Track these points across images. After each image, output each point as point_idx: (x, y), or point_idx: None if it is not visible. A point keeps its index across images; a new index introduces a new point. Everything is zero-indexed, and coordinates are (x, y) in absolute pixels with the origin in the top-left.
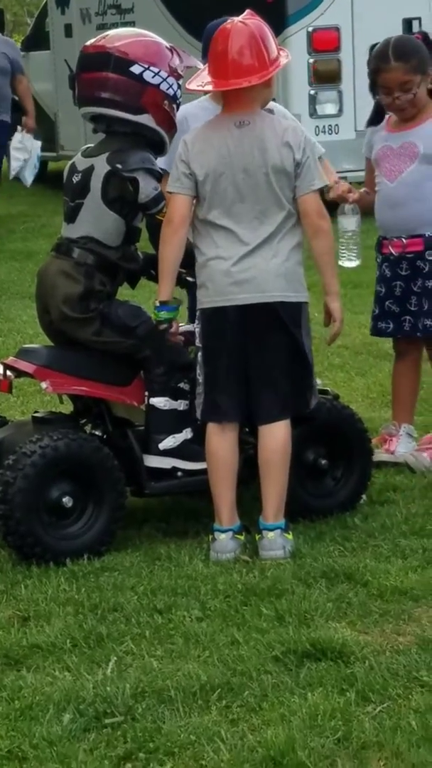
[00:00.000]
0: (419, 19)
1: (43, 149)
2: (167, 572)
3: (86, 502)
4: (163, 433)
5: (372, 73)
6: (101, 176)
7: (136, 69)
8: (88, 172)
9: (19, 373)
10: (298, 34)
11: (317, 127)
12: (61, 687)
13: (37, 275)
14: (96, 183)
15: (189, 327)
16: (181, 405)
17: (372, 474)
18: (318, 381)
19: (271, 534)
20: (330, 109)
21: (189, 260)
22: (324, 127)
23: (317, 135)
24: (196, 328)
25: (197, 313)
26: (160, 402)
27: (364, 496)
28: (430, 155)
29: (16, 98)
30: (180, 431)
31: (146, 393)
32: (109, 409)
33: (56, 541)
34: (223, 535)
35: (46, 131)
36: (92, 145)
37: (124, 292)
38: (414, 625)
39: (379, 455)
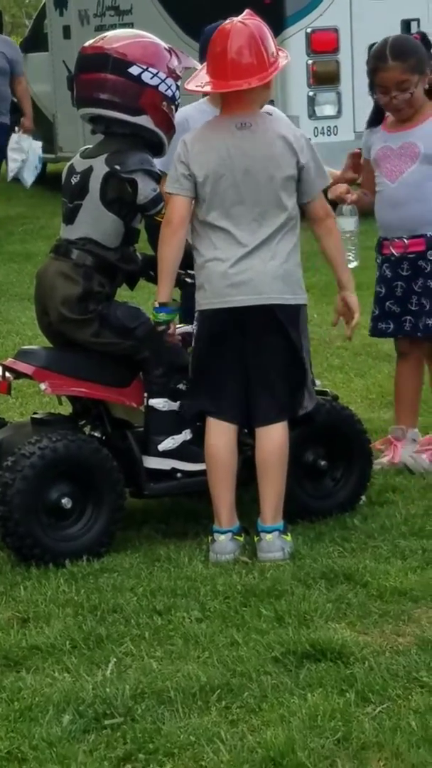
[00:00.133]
0: (418, 20)
1: (41, 150)
2: (167, 573)
3: (85, 503)
4: (162, 434)
5: (370, 72)
6: (100, 177)
7: (134, 70)
8: (87, 173)
9: (18, 375)
10: (296, 35)
11: (316, 128)
12: (60, 688)
13: (36, 277)
14: (95, 184)
15: (188, 328)
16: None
17: (371, 475)
18: (317, 382)
19: (269, 536)
20: (329, 110)
21: (188, 261)
22: (323, 128)
23: (316, 136)
24: (193, 329)
25: (195, 315)
26: (159, 403)
27: (363, 497)
28: (430, 155)
29: (15, 100)
30: (179, 432)
31: (145, 394)
32: (108, 411)
33: (55, 542)
34: (222, 537)
35: (45, 133)
36: (91, 146)
37: (123, 294)
38: (413, 626)
39: (382, 462)
